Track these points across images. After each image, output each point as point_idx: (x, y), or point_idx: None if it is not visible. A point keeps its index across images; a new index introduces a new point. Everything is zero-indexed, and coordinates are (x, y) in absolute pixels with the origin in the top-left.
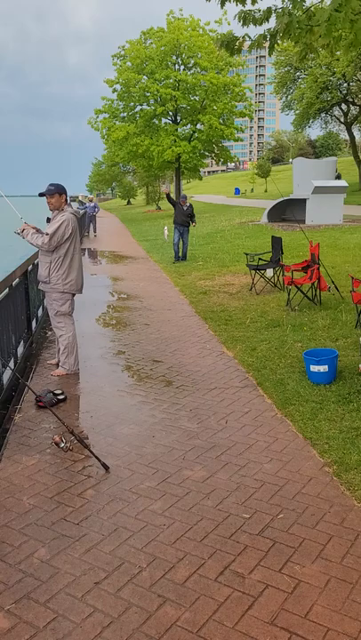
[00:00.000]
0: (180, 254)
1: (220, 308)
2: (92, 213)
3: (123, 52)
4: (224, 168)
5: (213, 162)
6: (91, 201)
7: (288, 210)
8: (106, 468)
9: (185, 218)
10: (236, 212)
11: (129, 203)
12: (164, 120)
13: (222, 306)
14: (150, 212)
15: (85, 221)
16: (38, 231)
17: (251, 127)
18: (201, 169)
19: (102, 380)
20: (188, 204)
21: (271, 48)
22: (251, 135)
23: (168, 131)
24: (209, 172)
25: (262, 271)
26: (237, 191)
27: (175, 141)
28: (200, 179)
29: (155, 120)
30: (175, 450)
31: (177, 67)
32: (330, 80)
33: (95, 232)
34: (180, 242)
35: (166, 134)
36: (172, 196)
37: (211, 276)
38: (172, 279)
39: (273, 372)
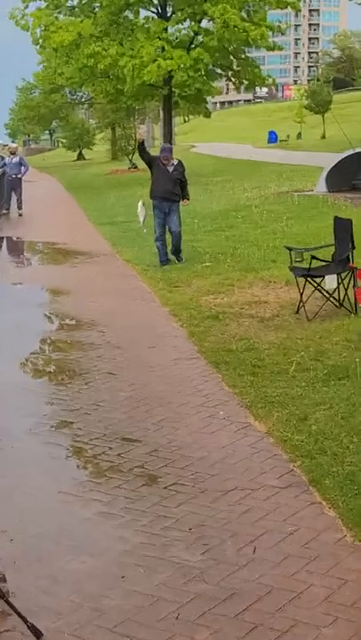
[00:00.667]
0: (171, 250)
1: (242, 344)
2: (15, 175)
3: None
4: (249, 97)
5: (230, 86)
6: (13, 154)
7: None
8: (37, 635)
9: (169, 187)
10: (272, 174)
11: (81, 156)
12: (143, 13)
13: (247, 341)
14: (119, 174)
15: (2, 189)
16: None
17: (297, 26)
18: (209, 98)
19: (32, 473)
20: (174, 162)
21: None
22: (297, 41)
23: (151, 32)
24: (222, 104)
25: (318, 279)
26: (273, 137)
27: (164, 50)
28: (207, 115)
29: (127, 13)
30: (162, 602)
31: None
32: None
33: (20, 208)
34: (166, 229)
35: (148, 38)
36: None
37: (226, 288)
38: (156, 293)
39: (338, 460)
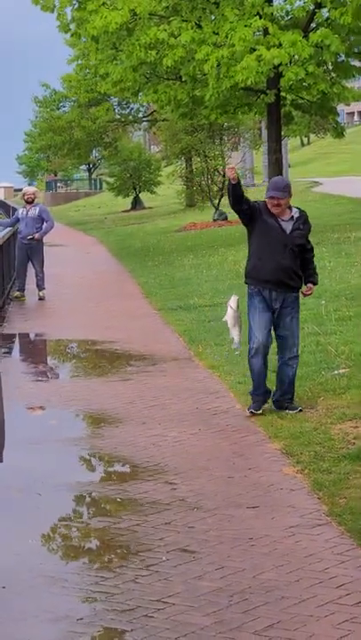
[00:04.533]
0: (277, 388)
1: None
2: (32, 238)
3: None
4: None
5: None
6: (30, 203)
7: None
8: None
9: (287, 261)
10: None
11: (138, 204)
12: None
13: None
14: (198, 229)
15: (12, 260)
16: None
17: None
18: (340, 107)
19: None
20: (294, 213)
21: None
22: None
23: (246, 5)
24: (360, 116)
25: None
26: None
27: (267, 33)
28: (339, 133)
29: None
30: None
31: None
32: None
33: (42, 288)
34: (271, 338)
35: (241, 15)
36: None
37: None
38: (258, 420)
39: None
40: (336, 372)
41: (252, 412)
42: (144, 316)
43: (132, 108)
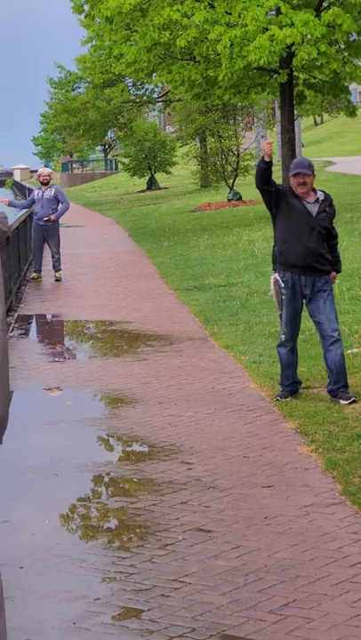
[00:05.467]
0: (329, 378)
1: None
2: (48, 218)
3: None
4: None
5: None
6: (45, 184)
7: None
8: None
9: (314, 244)
10: None
11: (153, 184)
12: None
13: None
14: (213, 210)
15: (28, 241)
16: None
17: None
18: (353, 86)
19: None
20: (319, 195)
21: None
22: None
23: None
24: None
25: None
26: None
27: (279, 12)
28: (352, 112)
29: None
30: None
31: None
32: None
33: (58, 269)
34: (299, 329)
35: None
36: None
37: None
38: (274, 399)
39: None
40: (350, 351)
41: (277, 399)
42: (160, 296)
43: (146, 89)
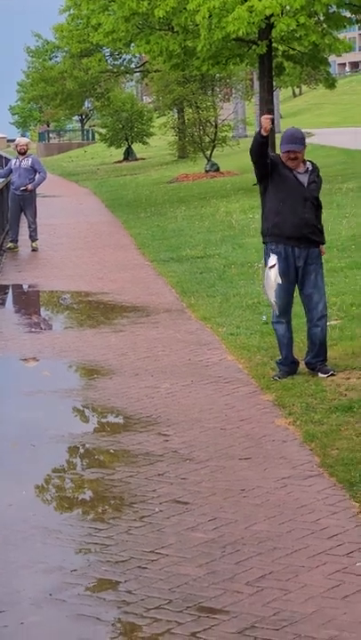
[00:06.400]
0: (309, 350)
1: None
2: (25, 188)
3: None
4: None
5: None
6: (22, 154)
7: None
8: None
9: (307, 214)
10: None
11: (130, 155)
12: None
13: None
14: (190, 181)
15: (5, 211)
16: None
17: None
18: (332, 58)
19: None
20: (308, 165)
21: None
22: None
23: None
24: (354, 67)
25: None
26: None
27: None
28: (330, 84)
29: None
30: None
31: None
32: None
33: (34, 239)
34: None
35: None
36: (254, 128)
37: None
38: (252, 371)
39: None
40: (328, 323)
41: (275, 378)
42: (137, 268)
43: (124, 59)
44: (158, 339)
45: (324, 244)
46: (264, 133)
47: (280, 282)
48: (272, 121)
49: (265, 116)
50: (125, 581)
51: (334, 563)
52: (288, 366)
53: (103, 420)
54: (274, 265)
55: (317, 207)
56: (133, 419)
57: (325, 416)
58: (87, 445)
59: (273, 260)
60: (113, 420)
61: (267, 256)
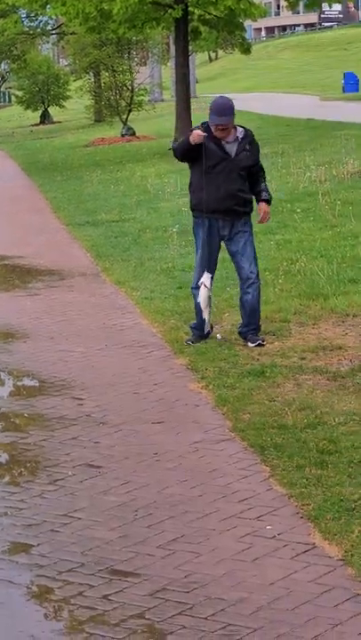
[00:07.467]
0: (242, 322)
1: (304, 417)
2: None
3: None
4: (313, 20)
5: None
6: None
7: None
8: None
9: (235, 186)
10: (350, 143)
11: (47, 118)
12: None
13: (311, 412)
14: (106, 145)
15: None
16: None
17: None
18: (247, 23)
19: None
20: (239, 134)
21: None
22: None
23: None
24: (270, 32)
25: None
26: (353, 82)
27: None
28: (245, 49)
29: None
30: None
31: None
32: None
33: None
34: (215, 269)
35: None
36: (170, 93)
37: (277, 327)
38: (165, 336)
39: None
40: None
41: (188, 343)
42: (52, 231)
43: (40, 21)
44: (73, 302)
45: (261, 203)
46: (193, 143)
47: (208, 285)
48: (204, 137)
49: (198, 132)
50: (38, 545)
51: (245, 526)
52: (201, 334)
53: (17, 384)
54: (202, 283)
55: (250, 175)
56: (48, 382)
57: (238, 380)
58: (1, 409)
59: (205, 278)
60: (27, 383)
61: (197, 227)
